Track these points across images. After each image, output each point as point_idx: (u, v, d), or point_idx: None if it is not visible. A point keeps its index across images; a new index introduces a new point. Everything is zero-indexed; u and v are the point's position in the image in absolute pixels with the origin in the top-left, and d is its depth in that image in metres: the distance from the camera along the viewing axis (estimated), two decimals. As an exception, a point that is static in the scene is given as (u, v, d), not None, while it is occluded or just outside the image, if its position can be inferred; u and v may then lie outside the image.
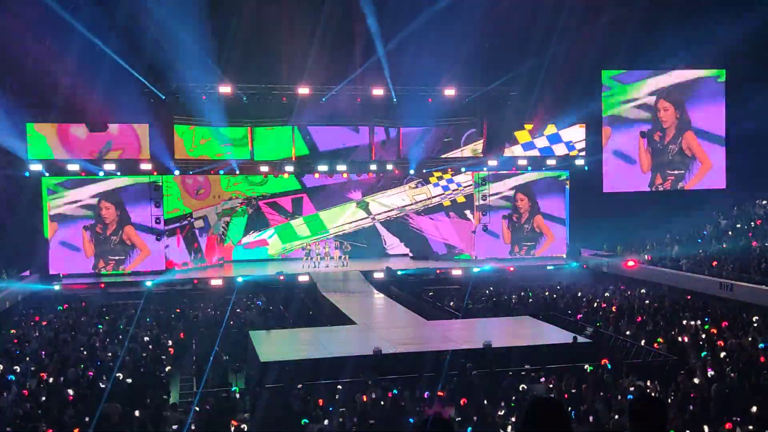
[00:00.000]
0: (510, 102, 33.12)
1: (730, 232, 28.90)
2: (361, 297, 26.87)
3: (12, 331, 20.16)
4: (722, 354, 16.22)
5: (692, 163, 33.68)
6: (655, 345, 17.93)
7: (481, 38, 28.69)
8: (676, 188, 33.65)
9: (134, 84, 28.38)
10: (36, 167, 28.92)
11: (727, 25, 27.78)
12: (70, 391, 14.24)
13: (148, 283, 28.29)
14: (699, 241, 29.39)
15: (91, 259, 29.83)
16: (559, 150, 33.73)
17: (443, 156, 34.31)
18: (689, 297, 24.01)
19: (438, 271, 31.12)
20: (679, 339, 18.22)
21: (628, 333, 19.43)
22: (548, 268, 31.75)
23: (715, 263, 25.87)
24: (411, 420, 12.66)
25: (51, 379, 15.24)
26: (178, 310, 23.60)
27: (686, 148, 33.81)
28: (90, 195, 29.74)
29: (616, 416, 12.16)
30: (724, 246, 27.50)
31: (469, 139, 34.08)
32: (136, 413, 12.88)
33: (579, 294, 25.66)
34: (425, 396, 14.08)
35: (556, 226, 33.85)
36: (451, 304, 25.04)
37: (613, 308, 22.79)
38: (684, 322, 20.08)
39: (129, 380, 15.10)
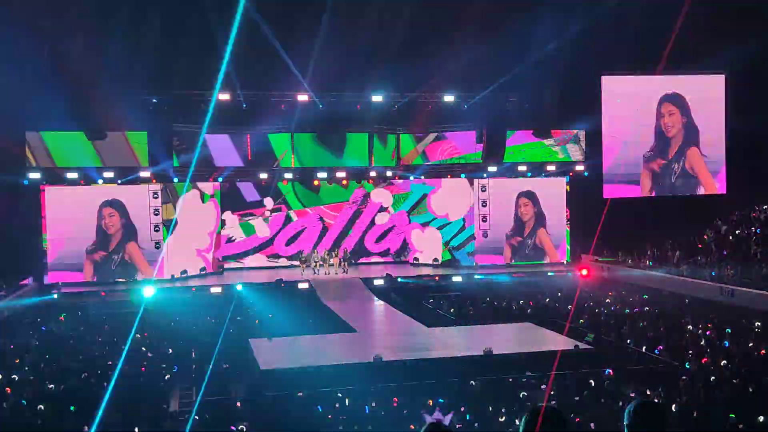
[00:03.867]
0: (509, 107, 33.16)
1: (730, 238, 28.86)
2: (361, 304, 26.83)
3: (11, 341, 20.04)
4: (723, 360, 16.15)
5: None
6: (656, 351, 17.87)
7: (481, 43, 28.76)
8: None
9: (133, 90, 28.43)
10: (35, 175, 28.94)
11: (727, 29, 27.79)
12: (69, 401, 14.17)
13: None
14: (699, 247, 29.37)
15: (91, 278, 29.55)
16: (559, 155, 33.76)
17: (443, 161, 34.33)
18: (687, 301, 23.96)
19: (437, 278, 31.08)
20: (681, 345, 18.16)
21: (629, 340, 19.36)
22: (549, 274, 31.68)
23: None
24: (411, 427, 12.61)
25: (50, 388, 15.17)
26: (178, 318, 23.52)
27: (689, 167, 33.28)
28: (92, 202, 29.56)
29: (618, 423, 12.08)
30: (725, 252, 27.48)
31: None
32: (136, 430, 12.81)
33: (580, 300, 25.57)
34: (427, 403, 14.01)
35: (556, 232, 33.75)
36: (452, 310, 24.98)
37: (614, 314, 22.73)
38: (685, 327, 20.02)
39: (128, 389, 15.00)
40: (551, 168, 33.78)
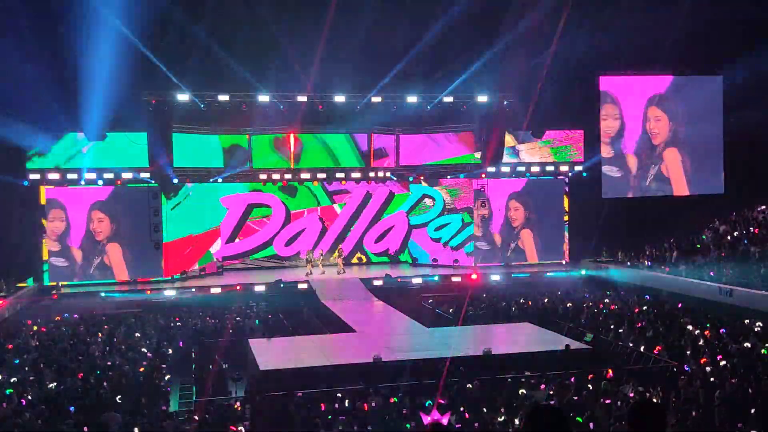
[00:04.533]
0: (508, 108, 33.19)
1: (728, 238, 28.92)
2: (361, 304, 26.86)
3: (10, 341, 20.05)
4: (722, 359, 16.20)
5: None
6: (655, 351, 17.92)
7: (479, 44, 28.84)
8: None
9: (132, 91, 28.43)
10: (35, 176, 28.95)
11: (724, 29, 27.85)
12: (69, 401, 14.19)
13: (147, 292, 28.28)
14: (698, 246, 29.42)
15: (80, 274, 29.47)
16: (558, 156, 33.80)
17: (441, 163, 34.35)
18: (680, 304, 23.94)
19: (437, 278, 31.09)
20: (679, 345, 18.20)
21: (630, 342, 19.39)
22: (548, 274, 31.71)
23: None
24: (410, 427, 12.64)
25: (50, 388, 15.19)
26: (177, 319, 23.54)
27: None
28: (87, 204, 29.43)
29: (616, 422, 12.13)
30: (723, 252, 27.53)
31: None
32: (136, 430, 12.82)
33: (579, 300, 25.62)
34: (425, 404, 14.03)
35: (555, 233, 33.74)
36: (451, 311, 25.00)
37: (613, 314, 22.76)
38: (684, 327, 20.06)
39: (128, 390, 15.04)
40: (550, 168, 33.81)
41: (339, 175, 33.68)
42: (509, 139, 33.48)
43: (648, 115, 32.23)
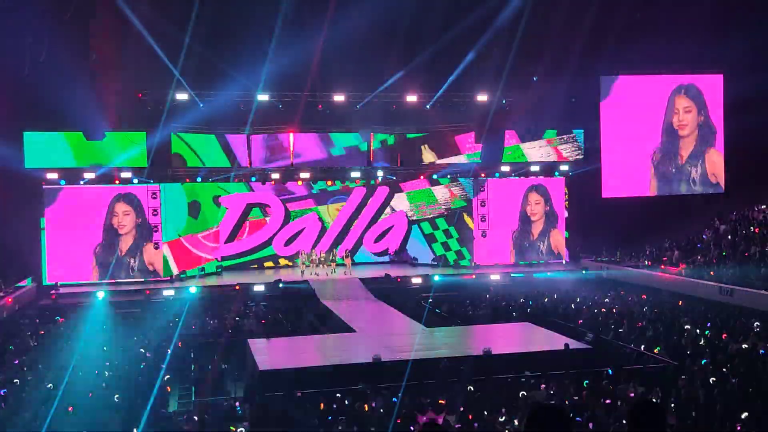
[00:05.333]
0: (508, 108, 33.18)
1: (729, 237, 28.90)
2: (360, 304, 26.83)
3: (10, 341, 20.03)
4: (722, 359, 16.18)
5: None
6: (655, 351, 17.90)
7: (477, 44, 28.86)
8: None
9: (132, 91, 28.44)
10: (33, 175, 28.92)
11: (726, 28, 27.84)
12: (69, 401, 14.15)
13: (147, 292, 28.27)
14: (698, 246, 29.41)
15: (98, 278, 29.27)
16: (557, 155, 33.78)
17: (441, 162, 34.27)
18: (681, 303, 23.91)
19: (437, 278, 31.05)
20: (680, 344, 18.18)
21: (630, 342, 19.37)
22: (548, 274, 31.68)
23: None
24: (411, 428, 12.61)
25: (48, 388, 15.15)
26: (177, 319, 23.50)
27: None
28: (93, 201, 29.39)
29: (616, 422, 12.10)
30: (724, 252, 27.53)
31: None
32: (135, 430, 12.80)
33: (579, 300, 25.60)
34: (423, 404, 14.00)
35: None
36: (450, 311, 24.96)
37: (613, 314, 22.73)
38: (684, 327, 20.04)
39: (127, 390, 15.00)
40: (549, 168, 33.78)
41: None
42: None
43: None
